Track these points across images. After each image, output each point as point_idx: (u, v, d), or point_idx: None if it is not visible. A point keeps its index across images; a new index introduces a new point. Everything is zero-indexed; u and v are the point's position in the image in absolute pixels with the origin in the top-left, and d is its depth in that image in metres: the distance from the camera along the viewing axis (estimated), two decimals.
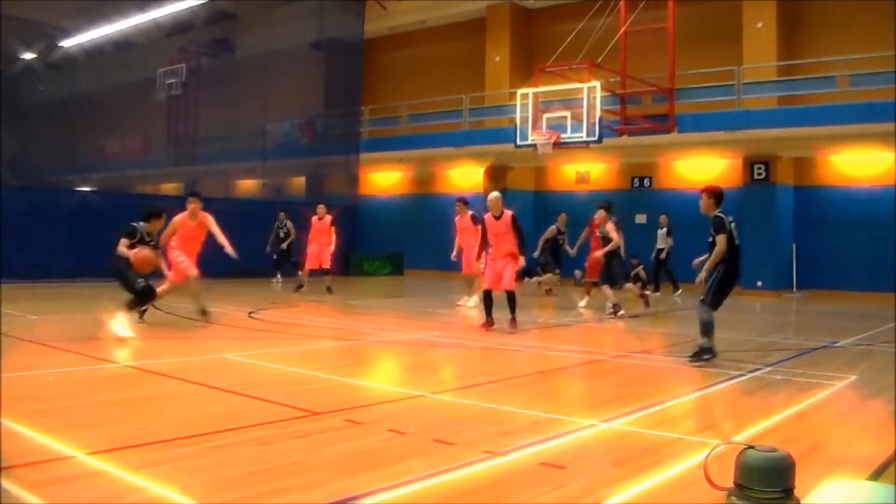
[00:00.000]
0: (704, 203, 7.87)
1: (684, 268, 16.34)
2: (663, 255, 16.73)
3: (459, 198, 14.27)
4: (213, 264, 17.96)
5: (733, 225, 7.76)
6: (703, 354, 7.56)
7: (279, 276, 18.68)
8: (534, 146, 14.23)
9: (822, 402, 6.00)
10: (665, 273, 17.07)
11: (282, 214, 18.93)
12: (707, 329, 7.61)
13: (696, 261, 8.19)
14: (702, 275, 7.76)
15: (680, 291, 16.54)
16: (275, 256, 18.81)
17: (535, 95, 14.30)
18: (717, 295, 7.64)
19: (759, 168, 18.42)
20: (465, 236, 13.34)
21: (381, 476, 3.74)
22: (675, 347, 9.00)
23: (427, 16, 24.08)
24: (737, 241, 7.76)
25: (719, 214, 7.72)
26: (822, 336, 9.93)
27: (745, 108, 17.19)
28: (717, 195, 7.85)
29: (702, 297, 7.73)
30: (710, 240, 7.72)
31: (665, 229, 16.84)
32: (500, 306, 10.16)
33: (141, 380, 6.29)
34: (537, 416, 5.20)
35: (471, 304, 13.36)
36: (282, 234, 18.79)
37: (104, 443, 4.23)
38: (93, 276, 16.70)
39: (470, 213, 13.38)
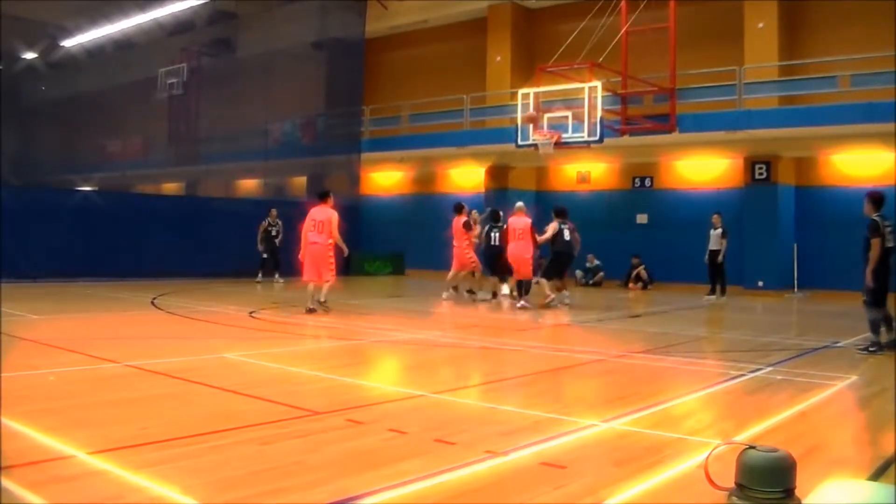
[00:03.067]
0: (867, 206, 8.53)
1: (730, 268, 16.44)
2: (720, 258, 16.13)
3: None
4: (214, 264, 18.10)
5: (888, 228, 8.36)
6: (871, 347, 8.31)
7: (261, 275, 18.38)
8: (535, 146, 14.22)
9: (823, 403, 6.00)
10: (720, 275, 16.18)
11: (273, 212, 18.68)
12: (875, 327, 8.40)
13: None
14: (868, 279, 8.35)
15: (725, 298, 16.03)
16: (264, 255, 18.46)
17: (537, 95, 14.28)
18: (875, 293, 8.33)
19: (761, 168, 18.41)
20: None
21: (381, 476, 3.74)
22: (675, 347, 8.99)
23: (428, 15, 24.07)
24: (889, 243, 8.37)
25: (875, 218, 8.34)
26: (824, 336, 9.93)
27: (746, 108, 17.18)
28: (876, 200, 8.50)
29: (864, 300, 8.45)
30: (866, 238, 8.40)
31: (720, 230, 16.06)
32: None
33: (142, 379, 6.29)
34: (538, 415, 5.19)
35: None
36: (273, 233, 18.47)
37: (105, 442, 4.23)
38: (93, 275, 16.79)
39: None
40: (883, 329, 8.49)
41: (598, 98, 13.42)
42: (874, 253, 8.23)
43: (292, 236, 17.02)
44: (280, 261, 18.47)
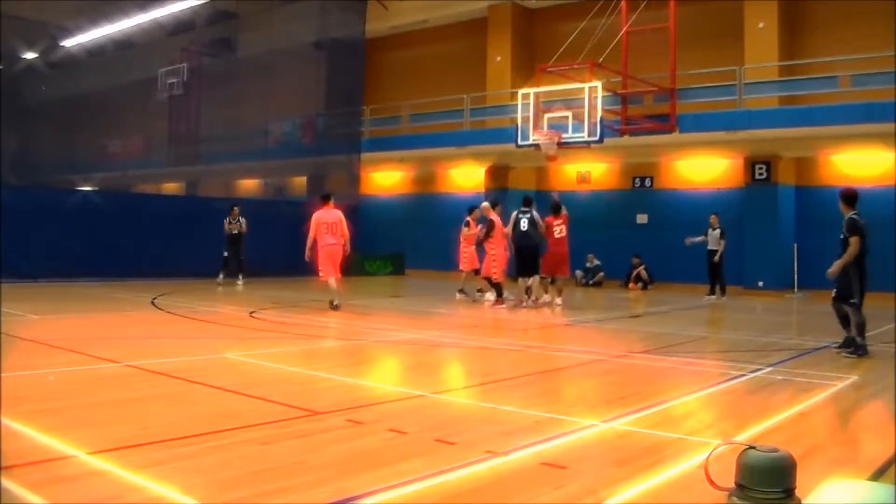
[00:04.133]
0: (841, 205, 8.53)
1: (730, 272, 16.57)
2: (717, 258, 15.95)
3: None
4: (214, 264, 18.07)
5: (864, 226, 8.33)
6: (858, 350, 8.20)
7: (222, 276, 17.24)
8: (535, 146, 14.23)
9: (824, 403, 6.00)
10: (718, 276, 16.18)
11: (236, 209, 17.70)
12: (861, 329, 8.26)
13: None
14: (833, 269, 8.41)
15: (725, 298, 16.03)
16: (225, 254, 17.35)
17: (537, 95, 14.28)
18: (860, 294, 8.32)
19: (761, 168, 18.41)
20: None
21: (382, 476, 3.74)
22: (676, 347, 8.99)
23: (428, 15, 24.08)
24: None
25: (854, 217, 8.31)
26: (824, 336, 9.93)
27: (746, 108, 17.18)
28: (850, 197, 8.49)
29: (852, 301, 8.35)
30: (842, 237, 8.34)
31: (718, 230, 16.07)
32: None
33: (142, 379, 6.29)
34: (538, 415, 5.19)
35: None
36: (234, 232, 17.42)
37: (105, 442, 4.23)
38: (93, 275, 16.78)
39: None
40: (845, 329, 8.49)
41: (598, 98, 13.42)
42: (852, 250, 8.19)
43: (288, 236, 16.83)
44: (243, 262, 17.56)
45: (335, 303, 12.21)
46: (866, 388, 6.58)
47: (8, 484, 3.43)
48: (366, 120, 24.40)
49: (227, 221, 17.62)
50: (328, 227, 12.18)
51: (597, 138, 13.61)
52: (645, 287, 19.42)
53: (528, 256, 13.37)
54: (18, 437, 4.31)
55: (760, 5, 18.26)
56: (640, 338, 10.03)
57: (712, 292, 16.18)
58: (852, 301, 8.34)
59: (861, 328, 8.29)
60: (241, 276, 17.63)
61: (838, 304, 8.49)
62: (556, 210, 13.81)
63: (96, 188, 22.92)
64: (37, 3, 22.44)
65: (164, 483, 3.57)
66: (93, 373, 6.55)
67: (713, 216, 16.29)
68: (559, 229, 13.67)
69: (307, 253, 12.23)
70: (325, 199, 12.60)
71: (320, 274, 12.35)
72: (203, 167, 25.30)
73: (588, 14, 15.06)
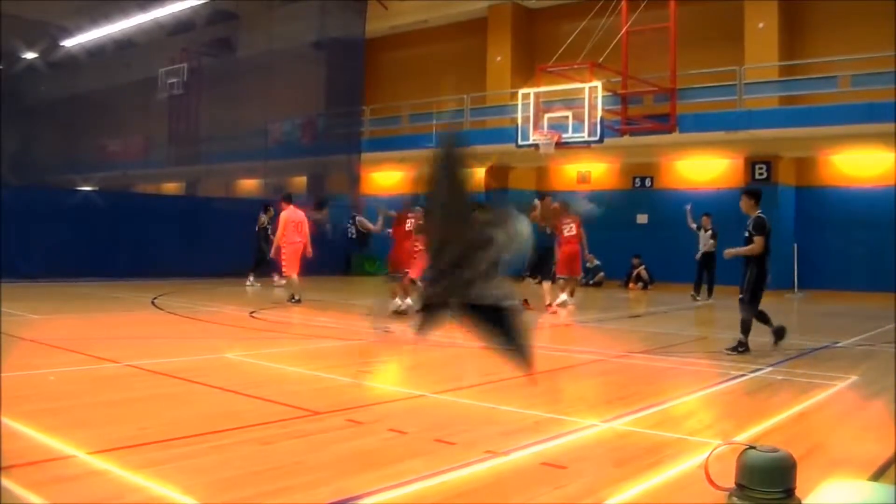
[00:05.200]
0: (745, 203, 8.55)
1: (727, 271, 16.28)
2: (698, 257, 15.78)
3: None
4: (214, 264, 18.07)
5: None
6: (739, 347, 8.17)
7: (253, 276, 16.93)
8: (535, 146, 14.23)
9: (824, 403, 5.99)
10: (699, 276, 16.01)
11: (272, 210, 17.00)
12: (746, 327, 8.23)
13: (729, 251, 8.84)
14: (733, 251, 8.64)
15: (711, 300, 15.79)
16: (266, 256, 16.41)
17: (537, 95, 14.29)
18: (754, 294, 8.33)
19: (761, 168, 18.41)
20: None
21: (382, 476, 3.74)
22: (676, 347, 8.99)
23: (428, 15, 24.08)
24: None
25: (761, 215, 8.36)
26: (823, 336, 9.92)
27: (746, 108, 17.18)
28: (756, 195, 8.57)
29: (741, 297, 8.37)
30: (747, 235, 8.40)
31: (709, 231, 15.84)
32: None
33: (142, 379, 6.29)
34: (538, 416, 5.19)
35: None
36: (270, 232, 16.59)
37: (105, 442, 4.23)
38: (93, 275, 16.77)
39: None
40: (767, 326, 8.52)
41: (598, 98, 13.44)
42: (756, 248, 8.23)
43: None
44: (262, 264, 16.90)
45: (296, 297, 12.97)
46: (866, 388, 6.57)
47: (8, 484, 3.43)
48: (366, 120, 24.39)
49: (265, 219, 17.13)
50: (295, 226, 13.02)
51: (597, 138, 13.62)
52: (645, 287, 19.42)
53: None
54: (18, 437, 4.30)
55: (760, 5, 18.26)
56: (640, 338, 10.02)
57: (710, 293, 16.06)
58: (741, 297, 8.35)
59: (745, 325, 8.22)
60: (252, 277, 17.11)
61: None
62: (564, 209, 13.85)
63: (96, 188, 22.89)
64: (37, 3, 22.42)
65: (164, 483, 3.57)
66: (93, 373, 6.55)
67: (705, 217, 16.16)
68: (568, 227, 13.66)
69: (273, 251, 13.05)
70: (288, 199, 13.50)
71: (284, 270, 13.08)
72: (203, 167, 25.28)
73: (588, 14, 15.06)
